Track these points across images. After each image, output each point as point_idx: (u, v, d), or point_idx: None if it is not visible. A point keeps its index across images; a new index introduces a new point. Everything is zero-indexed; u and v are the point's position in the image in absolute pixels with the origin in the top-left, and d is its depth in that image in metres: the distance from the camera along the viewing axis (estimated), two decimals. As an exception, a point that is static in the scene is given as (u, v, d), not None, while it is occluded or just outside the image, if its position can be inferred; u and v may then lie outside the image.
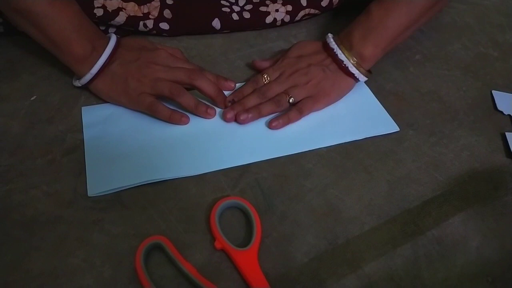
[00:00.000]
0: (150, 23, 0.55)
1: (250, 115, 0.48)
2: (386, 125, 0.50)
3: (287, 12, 0.60)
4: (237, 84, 0.53)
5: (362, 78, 0.51)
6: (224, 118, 0.48)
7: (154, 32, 0.56)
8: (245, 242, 0.39)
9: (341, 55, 0.50)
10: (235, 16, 0.58)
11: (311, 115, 0.50)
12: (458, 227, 0.42)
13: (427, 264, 0.39)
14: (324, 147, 0.47)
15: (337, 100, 0.52)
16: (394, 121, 0.51)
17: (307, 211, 0.42)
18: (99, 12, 0.52)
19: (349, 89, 0.52)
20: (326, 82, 0.50)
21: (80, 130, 0.46)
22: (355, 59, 0.50)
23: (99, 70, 0.47)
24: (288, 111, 0.49)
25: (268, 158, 0.46)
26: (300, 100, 0.50)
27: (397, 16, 0.50)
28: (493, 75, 0.59)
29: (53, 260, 0.37)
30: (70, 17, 0.46)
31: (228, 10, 0.58)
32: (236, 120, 0.48)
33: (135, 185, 0.42)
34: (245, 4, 0.59)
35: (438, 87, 0.56)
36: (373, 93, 0.54)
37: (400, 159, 0.47)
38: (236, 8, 0.59)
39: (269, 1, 0.60)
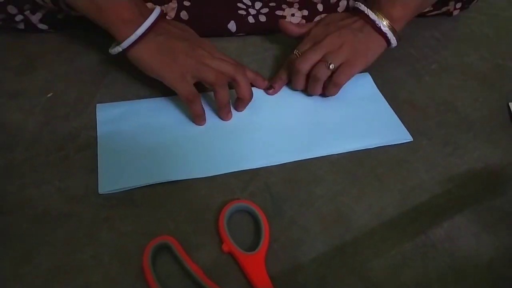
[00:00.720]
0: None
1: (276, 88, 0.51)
2: (399, 134, 0.50)
3: (303, 17, 0.60)
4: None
5: (393, 41, 0.51)
6: (268, 93, 0.52)
7: None
8: (253, 246, 0.39)
9: (373, 15, 0.50)
10: (251, 19, 0.59)
11: (324, 121, 0.50)
12: (470, 240, 0.41)
13: (437, 277, 0.38)
14: (336, 154, 0.47)
15: (371, 63, 0.51)
16: (408, 130, 0.50)
17: (316, 218, 0.42)
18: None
19: (381, 51, 0.52)
20: (359, 44, 0.50)
21: (94, 128, 0.47)
22: (386, 19, 0.50)
23: (144, 33, 0.45)
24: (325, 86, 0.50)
25: (279, 163, 0.45)
26: (336, 72, 0.49)
27: None
28: (511, 87, 0.58)
29: (63, 255, 0.37)
30: None
31: (244, 13, 0.58)
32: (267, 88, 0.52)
33: (147, 183, 0.42)
34: (261, 8, 0.59)
35: (454, 98, 0.55)
36: (387, 101, 0.53)
37: (413, 169, 0.47)
38: (252, 11, 0.59)
39: (285, 5, 0.60)
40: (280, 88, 0.53)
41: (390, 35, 0.50)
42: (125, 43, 0.45)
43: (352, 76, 0.50)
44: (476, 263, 0.40)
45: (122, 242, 0.38)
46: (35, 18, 0.54)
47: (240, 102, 0.49)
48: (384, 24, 0.50)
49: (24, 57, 0.54)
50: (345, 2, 0.60)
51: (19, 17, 0.53)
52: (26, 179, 0.42)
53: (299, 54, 0.51)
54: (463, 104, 0.55)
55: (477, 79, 0.59)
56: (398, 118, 0.51)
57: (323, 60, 0.49)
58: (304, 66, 0.49)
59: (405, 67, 0.58)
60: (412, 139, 0.49)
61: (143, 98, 0.51)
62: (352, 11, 0.54)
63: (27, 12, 0.53)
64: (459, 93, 0.56)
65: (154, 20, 0.46)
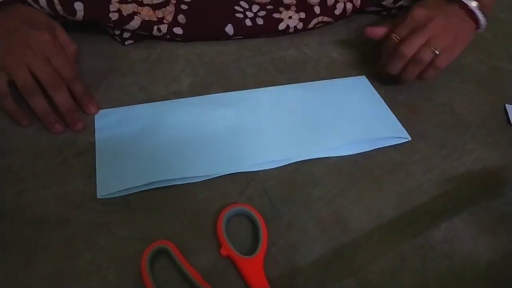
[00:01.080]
0: (164, 28, 0.56)
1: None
2: (397, 133, 0.50)
3: (300, 19, 0.60)
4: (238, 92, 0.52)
5: (483, 25, 0.51)
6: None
7: (168, 36, 0.57)
8: (251, 249, 0.39)
9: (473, 7, 0.50)
10: (248, 22, 0.59)
11: (323, 122, 0.50)
12: (468, 242, 0.41)
13: (435, 279, 0.39)
14: (334, 156, 0.47)
15: (466, 47, 0.51)
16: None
17: (314, 220, 0.42)
18: (114, 16, 0.53)
19: (473, 35, 0.52)
20: (458, 28, 0.50)
21: (92, 133, 0.47)
22: (477, 2, 0.50)
23: None
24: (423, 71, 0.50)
25: (278, 166, 0.45)
26: (438, 56, 0.48)
27: None
28: (507, 88, 0.58)
29: (60, 260, 0.37)
30: None
31: (241, 16, 0.59)
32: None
33: (144, 188, 0.42)
34: (258, 11, 0.60)
35: (451, 100, 0.56)
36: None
37: (411, 171, 0.47)
38: (250, 14, 0.59)
39: (282, 8, 0.60)
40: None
41: (481, 18, 0.50)
42: None
43: (453, 59, 0.50)
44: (474, 265, 0.40)
45: (120, 247, 0.38)
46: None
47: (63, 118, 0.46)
48: (475, 7, 0.50)
49: (22, 62, 0.54)
50: (342, 5, 0.60)
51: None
52: (24, 185, 0.42)
53: (397, 38, 0.50)
54: (460, 106, 0.55)
55: (473, 81, 0.59)
56: (395, 118, 0.52)
57: (427, 44, 0.48)
58: (410, 50, 0.48)
59: (402, 69, 0.58)
60: (410, 138, 0.49)
61: (140, 103, 0.51)
62: None
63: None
64: (456, 95, 0.56)
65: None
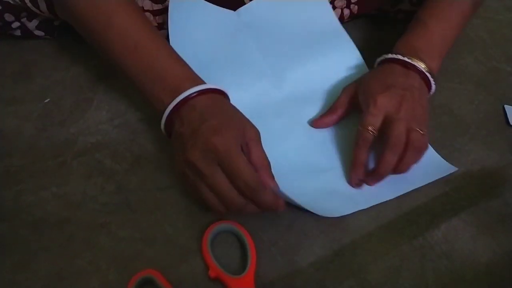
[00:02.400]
0: (164, 34, 0.56)
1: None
2: (444, 170, 0.46)
3: None
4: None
5: (433, 90, 0.48)
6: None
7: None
8: (241, 266, 0.38)
9: (420, 67, 0.46)
10: None
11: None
12: (467, 242, 0.41)
13: (435, 279, 0.39)
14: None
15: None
16: None
17: (314, 221, 0.42)
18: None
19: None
20: (423, 100, 0.46)
21: (91, 134, 0.47)
22: (424, 64, 0.47)
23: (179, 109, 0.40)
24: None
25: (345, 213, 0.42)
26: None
27: (454, 26, 0.51)
28: (506, 89, 0.58)
29: (60, 261, 0.37)
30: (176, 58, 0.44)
31: None
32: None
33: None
34: None
35: (450, 101, 0.56)
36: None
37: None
38: None
39: None
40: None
41: (433, 85, 0.48)
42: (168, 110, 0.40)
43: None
44: (473, 265, 0.40)
45: (119, 248, 0.38)
46: (31, 25, 0.54)
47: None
48: (429, 75, 0.47)
49: (21, 63, 0.54)
50: (339, 11, 0.60)
51: (15, 24, 0.54)
52: (23, 186, 0.42)
53: (374, 131, 0.43)
54: (458, 107, 0.55)
55: (472, 82, 0.59)
56: (437, 154, 0.48)
57: (411, 129, 0.42)
58: (401, 143, 0.42)
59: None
60: (457, 168, 0.46)
61: (140, 106, 0.50)
62: (390, 64, 0.48)
63: (23, 19, 0.53)
64: (455, 96, 0.56)
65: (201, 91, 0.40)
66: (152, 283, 0.36)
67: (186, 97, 0.40)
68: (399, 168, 0.43)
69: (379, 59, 0.50)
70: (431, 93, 0.49)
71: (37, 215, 0.40)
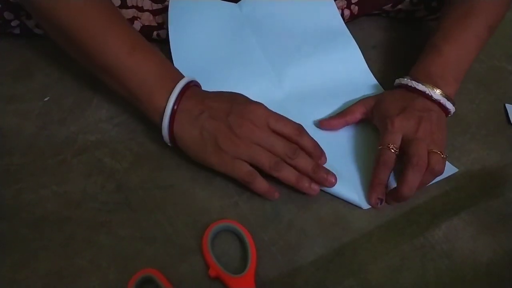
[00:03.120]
0: (163, 33, 0.56)
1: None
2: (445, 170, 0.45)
3: None
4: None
5: (451, 111, 0.48)
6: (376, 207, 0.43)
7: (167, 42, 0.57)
8: (241, 265, 0.38)
9: (436, 95, 0.46)
10: None
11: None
12: (468, 242, 0.41)
13: (435, 278, 0.39)
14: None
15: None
16: None
17: (314, 220, 0.42)
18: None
19: (445, 122, 0.47)
20: (442, 123, 0.46)
21: (91, 132, 0.47)
22: (440, 90, 0.47)
23: (172, 121, 0.41)
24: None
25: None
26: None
27: (469, 51, 0.50)
28: (507, 88, 0.58)
29: (60, 260, 0.37)
30: (151, 67, 0.42)
31: None
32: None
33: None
34: None
35: (451, 100, 0.56)
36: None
37: (410, 171, 0.47)
38: None
39: None
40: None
41: (452, 109, 0.47)
42: (164, 135, 0.42)
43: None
44: (474, 265, 0.40)
45: (120, 247, 0.38)
46: (31, 23, 0.54)
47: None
48: (439, 95, 0.46)
49: (21, 61, 0.54)
50: (340, 11, 0.59)
51: (15, 22, 0.53)
52: (23, 184, 0.42)
53: (394, 148, 0.43)
54: (459, 106, 0.55)
55: (473, 81, 0.59)
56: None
57: (431, 151, 0.42)
58: (423, 163, 0.41)
59: (402, 70, 0.58)
60: (458, 169, 0.47)
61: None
62: (405, 91, 0.48)
63: (23, 17, 0.53)
64: (456, 95, 0.56)
65: (175, 99, 0.41)
66: (152, 282, 0.36)
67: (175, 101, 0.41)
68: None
69: (396, 82, 0.50)
70: (450, 115, 0.48)
71: (37, 213, 0.40)
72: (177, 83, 0.42)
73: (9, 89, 0.51)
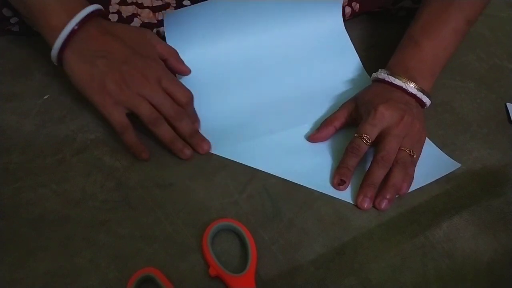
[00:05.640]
0: (164, 31, 0.55)
1: (388, 197, 0.42)
2: (448, 167, 0.47)
3: None
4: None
5: (427, 104, 0.49)
6: (361, 208, 0.42)
7: None
8: (241, 264, 0.38)
9: (412, 89, 0.47)
10: None
11: None
12: (469, 241, 0.41)
13: (436, 278, 0.38)
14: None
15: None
16: None
17: (315, 219, 0.41)
18: (113, 18, 0.52)
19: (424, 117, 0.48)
20: (421, 115, 0.46)
21: (91, 130, 0.46)
22: (414, 83, 0.47)
23: (66, 46, 0.41)
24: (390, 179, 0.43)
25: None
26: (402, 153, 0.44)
27: (447, 45, 0.50)
28: (508, 87, 0.58)
29: (59, 259, 0.37)
30: None
31: None
32: (377, 208, 0.42)
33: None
34: None
35: (451, 98, 0.55)
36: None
37: (411, 170, 0.47)
38: None
39: None
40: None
41: (428, 103, 0.48)
42: (53, 54, 0.43)
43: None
44: (475, 264, 0.40)
45: (119, 246, 0.38)
46: (30, 20, 0.54)
47: (171, 149, 0.44)
48: (414, 88, 0.47)
49: (20, 59, 0.54)
50: (350, 9, 0.59)
51: (14, 20, 0.53)
52: (22, 183, 0.42)
53: (367, 139, 0.43)
54: (460, 105, 0.55)
55: (474, 79, 0.59)
56: (441, 152, 0.48)
57: (402, 147, 0.43)
58: (390, 159, 0.43)
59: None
60: (460, 165, 0.47)
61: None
62: (383, 84, 0.48)
63: (21, 14, 0.53)
64: (457, 94, 0.56)
65: (80, 21, 0.41)
66: (152, 281, 0.36)
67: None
68: (395, 187, 0.43)
69: (373, 76, 0.50)
70: (426, 105, 0.49)
71: (36, 212, 0.40)
72: (83, 9, 0.42)
73: (8, 87, 0.50)
